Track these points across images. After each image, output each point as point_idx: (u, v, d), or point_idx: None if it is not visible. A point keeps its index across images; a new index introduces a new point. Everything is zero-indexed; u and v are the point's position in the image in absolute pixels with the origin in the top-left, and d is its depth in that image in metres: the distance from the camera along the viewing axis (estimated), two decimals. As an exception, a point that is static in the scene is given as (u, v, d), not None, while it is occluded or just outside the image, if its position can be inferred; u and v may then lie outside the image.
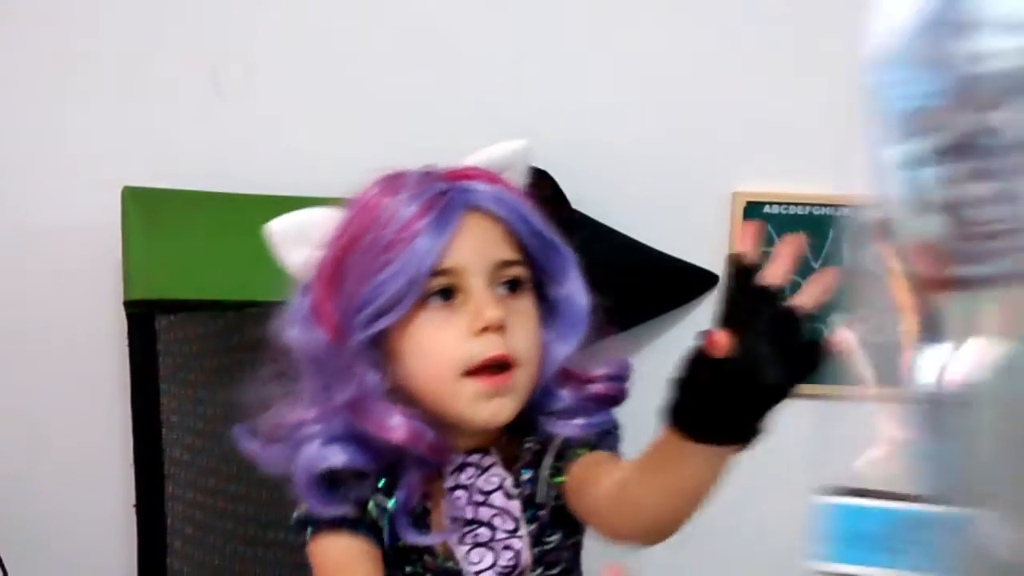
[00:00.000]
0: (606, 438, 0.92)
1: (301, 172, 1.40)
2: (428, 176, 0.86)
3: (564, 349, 0.89)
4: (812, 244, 1.52)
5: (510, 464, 0.89)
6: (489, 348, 0.83)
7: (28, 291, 1.44)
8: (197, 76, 1.44)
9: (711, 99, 1.50)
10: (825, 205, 1.49)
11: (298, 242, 0.88)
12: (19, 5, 1.41)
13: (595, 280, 1.41)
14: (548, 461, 0.89)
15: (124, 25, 1.42)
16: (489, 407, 0.84)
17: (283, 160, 1.44)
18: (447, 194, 0.84)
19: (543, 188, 1.40)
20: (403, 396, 0.86)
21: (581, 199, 1.49)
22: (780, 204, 1.50)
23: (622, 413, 0.93)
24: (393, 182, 0.86)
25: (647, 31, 1.48)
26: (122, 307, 1.23)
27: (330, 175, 1.43)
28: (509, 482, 0.88)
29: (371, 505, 0.86)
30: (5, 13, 1.40)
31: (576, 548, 0.95)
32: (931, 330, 0.51)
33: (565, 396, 0.90)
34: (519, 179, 0.94)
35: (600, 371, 0.91)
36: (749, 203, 1.50)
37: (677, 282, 1.52)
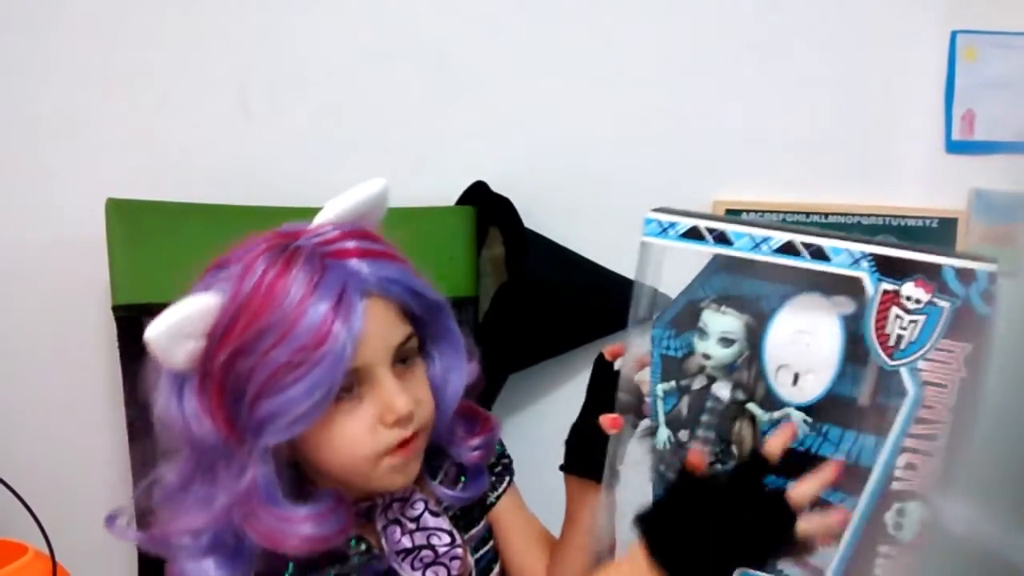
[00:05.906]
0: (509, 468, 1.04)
1: (318, 186, 1.45)
2: (311, 256, 0.80)
3: (456, 383, 0.91)
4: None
5: (422, 484, 0.94)
6: (401, 435, 0.83)
7: (25, 300, 1.47)
8: (223, 93, 1.47)
9: (695, 112, 1.54)
10: (798, 212, 1.54)
11: (181, 339, 0.81)
12: (37, 20, 1.43)
13: (552, 301, 1.42)
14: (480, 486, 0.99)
15: (127, 32, 1.45)
16: (402, 475, 0.86)
17: (303, 175, 1.48)
18: (343, 285, 0.79)
19: (500, 213, 1.43)
20: (307, 473, 0.87)
21: (565, 210, 1.53)
22: (757, 212, 1.54)
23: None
24: (273, 262, 0.80)
25: (627, 42, 1.51)
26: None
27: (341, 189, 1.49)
28: (431, 503, 0.92)
29: None
30: (25, 30, 1.43)
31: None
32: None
33: (460, 424, 0.96)
34: (379, 219, 0.89)
35: (476, 439, 0.97)
36: (728, 210, 1.54)
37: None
